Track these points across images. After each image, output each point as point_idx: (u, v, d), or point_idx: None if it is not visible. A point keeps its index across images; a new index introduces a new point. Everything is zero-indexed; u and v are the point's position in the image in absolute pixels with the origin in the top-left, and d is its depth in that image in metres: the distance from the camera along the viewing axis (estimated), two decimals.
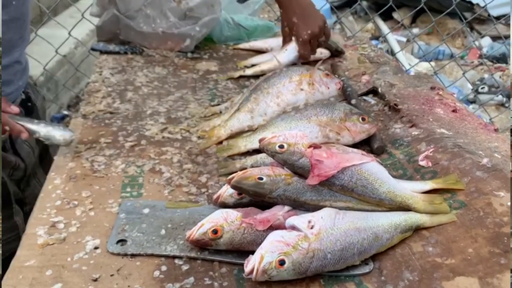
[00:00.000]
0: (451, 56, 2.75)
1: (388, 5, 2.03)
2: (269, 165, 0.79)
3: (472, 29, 3.84)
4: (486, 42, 3.69)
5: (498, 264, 0.66)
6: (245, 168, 0.80)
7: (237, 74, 1.25)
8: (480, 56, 3.43)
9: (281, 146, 0.74)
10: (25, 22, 0.99)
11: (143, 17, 1.34)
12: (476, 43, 3.56)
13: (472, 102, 2.97)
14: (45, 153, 1.15)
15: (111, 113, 1.06)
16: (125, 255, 0.69)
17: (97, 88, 1.17)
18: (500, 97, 2.92)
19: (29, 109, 1.10)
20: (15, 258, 0.68)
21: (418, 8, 2.01)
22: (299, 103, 0.98)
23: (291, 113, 0.94)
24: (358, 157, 0.76)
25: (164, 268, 0.67)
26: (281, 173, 0.74)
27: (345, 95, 1.12)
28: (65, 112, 2.58)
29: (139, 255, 0.69)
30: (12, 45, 0.96)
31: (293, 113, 0.94)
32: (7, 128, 0.87)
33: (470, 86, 2.81)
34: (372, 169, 0.75)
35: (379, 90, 1.13)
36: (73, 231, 0.73)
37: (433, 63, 3.14)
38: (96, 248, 0.70)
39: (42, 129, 0.91)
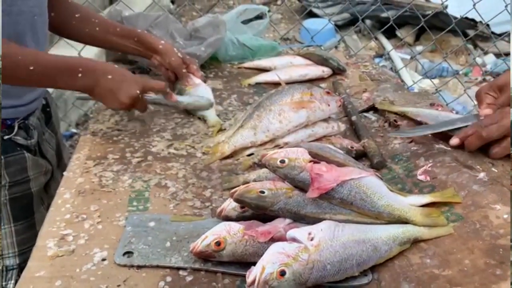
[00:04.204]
0: (456, 74, 2.78)
1: (390, 23, 2.06)
2: (271, 179, 0.81)
3: (475, 46, 3.88)
4: (490, 59, 3.72)
5: (493, 275, 0.67)
6: (248, 183, 0.82)
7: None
8: (484, 73, 3.45)
9: (282, 161, 0.77)
10: (46, 16, 1.03)
11: None
12: (480, 60, 3.59)
13: None
14: (59, 155, 1.19)
15: (119, 130, 1.10)
16: (132, 266, 0.71)
17: (105, 106, 1.21)
18: None
19: (49, 114, 1.15)
20: (26, 269, 0.71)
21: (419, 26, 2.05)
22: (301, 120, 1.01)
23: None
24: (357, 171, 0.78)
25: (169, 279, 0.70)
26: (282, 187, 0.76)
27: (346, 112, 1.15)
28: (74, 130, 2.63)
29: (145, 266, 0.71)
30: (41, 41, 1.01)
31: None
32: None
33: (473, 103, 2.83)
34: (370, 183, 0.78)
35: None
36: (81, 243, 0.76)
37: (437, 81, 3.17)
38: (103, 259, 0.73)
39: (188, 99, 1.15)
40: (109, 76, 0.97)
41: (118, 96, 0.98)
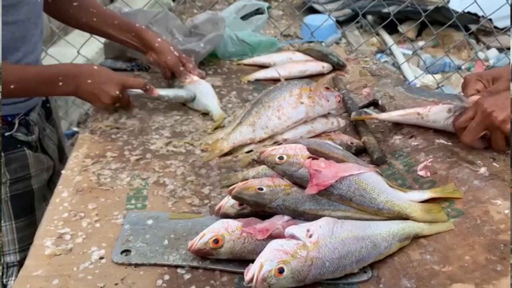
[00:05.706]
0: (458, 69, 2.76)
1: (390, 18, 2.05)
2: (270, 176, 0.81)
3: (478, 41, 3.85)
4: (492, 54, 3.70)
5: (494, 271, 0.67)
6: (247, 180, 0.82)
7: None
8: (486, 68, 3.43)
9: (281, 158, 0.76)
10: (42, 16, 1.04)
11: None
12: (482, 54, 3.57)
13: None
14: (62, 150, 1.20)
15: (117, 128, 1.09)
16: (129, 264, 0.71)
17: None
18: None
19: (49, 110, 1.16)
20: (23, 268, 0.71)
21: (419, 20, 2.03)
22: (300, 116, 1.00)
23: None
24: (356, 167, 0.77)
25: (166, 277, 0.69)
26: (281, 184, 0.75)
27: (345, 107, 1.14)
28: (75, 129, 2.63)
29: (143, 264, 0.71)
30: (36, 41, 1.02)
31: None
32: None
33: None
34: (370, 179, 0.77)
35: (380, 102, 1.15)
36: (79, 242, 0.75)
37: (439, 76, 3.15)
38: (101, 258, 0.72)
39: (170, 93, 1.17)
40: (89, 81, 1.02)
41: (100, 98, 1.03)
